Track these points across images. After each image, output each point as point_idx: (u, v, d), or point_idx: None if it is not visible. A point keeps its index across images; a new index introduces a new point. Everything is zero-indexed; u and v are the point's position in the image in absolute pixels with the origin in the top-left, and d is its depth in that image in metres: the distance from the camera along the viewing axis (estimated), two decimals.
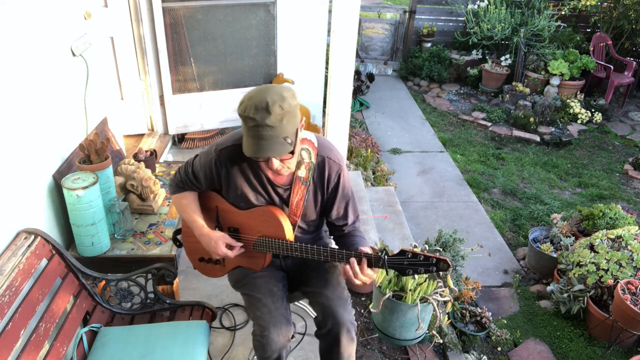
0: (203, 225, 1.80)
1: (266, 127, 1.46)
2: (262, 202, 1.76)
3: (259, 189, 1.73)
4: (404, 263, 1.54)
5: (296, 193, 1.73)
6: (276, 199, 1.75)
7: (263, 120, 1.45)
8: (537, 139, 5.96)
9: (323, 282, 1.85)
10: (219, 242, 1.77)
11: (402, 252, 1.55)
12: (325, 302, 1.80)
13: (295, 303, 2.60)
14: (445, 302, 2.44)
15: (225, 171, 1.71)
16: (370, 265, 1.60)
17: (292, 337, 1.80)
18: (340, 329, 1.78)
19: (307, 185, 1.73)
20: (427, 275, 2.43)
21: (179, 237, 2.02)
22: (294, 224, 1.78)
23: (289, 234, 1.74)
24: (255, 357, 1.88)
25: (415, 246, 2.64)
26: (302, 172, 1.71)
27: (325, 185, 1.75)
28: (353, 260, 1.60)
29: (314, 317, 1.90)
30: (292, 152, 1.55)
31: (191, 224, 1.82)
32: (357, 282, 1.61)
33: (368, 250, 1.66)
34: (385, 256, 1.56)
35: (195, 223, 1.81)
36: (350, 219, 1.83)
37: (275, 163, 1.56)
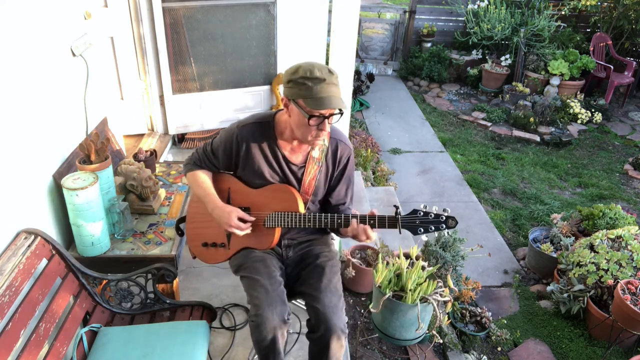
0: (217, 199, 1.87)
1: (332, 85, 1.62)
2: (277, 180, 1.86)
3: (275, 166, 1.83)
4: (416, 222, 1.66)
5: (309, 172, 1.84)
6: (290, 176, 1.85)
7: (330, 78, 1.61)
8: (537, 139, 5.96)
9: (320, 286, 1.86)
10: (232, 214, 1.82)
11: (414, 211, 1.67)
12: (320, 308, 1.81)
13: (294, 302, 2.59)
14: (445, 302, 2.44)
15: (245, 147, 1.81)
16: (383, 226, 1.72)
17: (288, 319, 1.80)
18: (331, 335, 1.80)
19: (319, 165, 1.85)
20: (426, 275, 2.43)
21: (181, 225, 2.03)
22: (305, 202, 1.86)
23: (302, 206, 1.82)
24: (256, 356, 1.88)
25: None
26: (316, 153, 1.84)
27: (336, 166, 1.88)
28: (354, 221, 1.73)
29: (307, 319, 1.91)
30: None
31: (205, 197, 1.88)
32: (371, 237, 1.75)
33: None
34: (399, 216, 1.66)
35: (209, 197, 1.88)
36: (348, 201, 1.95)
37: (328, 127, 1.68)
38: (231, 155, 1.85)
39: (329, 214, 1.79)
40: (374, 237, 1.75)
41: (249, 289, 1.85)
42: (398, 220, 1.66)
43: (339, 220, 1.77)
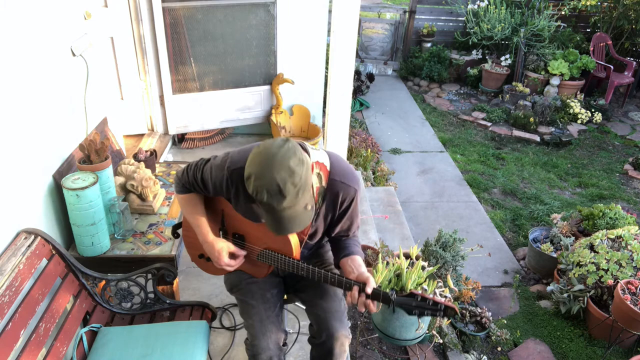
0: (208, 233, 1.76)
1: (284, 210, 1.37)
2: None
3: None
4: (412, 304, 1.53)
5: None
6: None
7: (279, 205, 1.36)
8: (537, 139, 5.96)
9: (320, 292, 1.84)
10: (222, 253, 1.74)
11: (412, 295, 1.52)
12: (322, 314, 1.79)
13: (295, 303, 2.59)
14: None
15: (235, 190, 1.66)
16: (377, 300, 1.57)
17: (284, 344, 1.78)
18: (334, 342, 1.78)
19: (316, 207, 1.67)
20: (426, 275, 2.43)
21: (179, 230, 2.02)
22: (301, 241, 1.75)
23: (296, 251, 1.71)
24: None
25: (420, 255, 2.64)
26: None
27: (337, 208, 1.69)
28: (355, 289, 1.57)
29: (309, 324, 1.90)
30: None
31: (196, 228, 1.79)
32: (372, 311, 1.59)
33: (362, 266, 1.63)
34: (394, 296, 1.54)
35: (200, 229, 1.77)
36: (352, 233, 1.80)
37: None
38: (222, 193, 1.71)
39: (322, 271, 1.64)
40: (375, 309, 1.58)
41: (243, 314, 1.83)
42: (393, 302, 1.54)
43: (332, 280, 1.62)
